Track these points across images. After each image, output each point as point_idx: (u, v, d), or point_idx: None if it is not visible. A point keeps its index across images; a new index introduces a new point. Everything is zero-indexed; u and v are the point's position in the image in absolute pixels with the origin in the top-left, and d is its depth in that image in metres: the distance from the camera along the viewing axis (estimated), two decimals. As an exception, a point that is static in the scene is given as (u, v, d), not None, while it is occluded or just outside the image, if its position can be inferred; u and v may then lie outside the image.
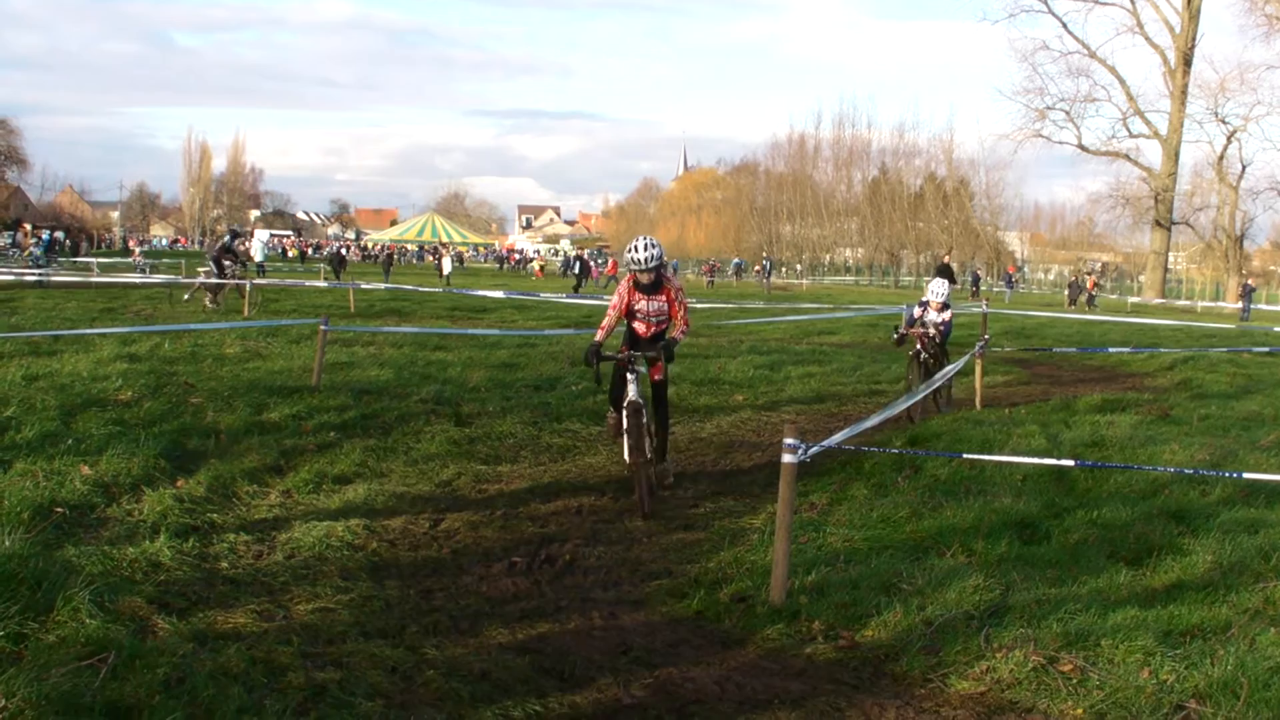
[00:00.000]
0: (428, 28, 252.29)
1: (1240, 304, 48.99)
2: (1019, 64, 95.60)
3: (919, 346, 13.06)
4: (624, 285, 8.81)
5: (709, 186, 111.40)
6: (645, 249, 8.53)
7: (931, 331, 13.05)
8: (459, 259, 57.55)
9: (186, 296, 25.50)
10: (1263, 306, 52.26)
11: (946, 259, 44.73)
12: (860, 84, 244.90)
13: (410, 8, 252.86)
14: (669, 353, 8.57)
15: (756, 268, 71.19)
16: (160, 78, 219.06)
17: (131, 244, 72.46)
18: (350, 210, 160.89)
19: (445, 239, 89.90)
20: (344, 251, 59.59)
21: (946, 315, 13.17)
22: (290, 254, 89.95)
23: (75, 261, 49.33)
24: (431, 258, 59.48)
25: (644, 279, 8.63)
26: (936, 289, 13.28)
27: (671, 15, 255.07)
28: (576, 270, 53.45)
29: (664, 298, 8.75)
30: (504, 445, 10.38)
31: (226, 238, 27.08)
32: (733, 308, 32.16)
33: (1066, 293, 57.65)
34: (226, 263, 25.45)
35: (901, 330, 13.23)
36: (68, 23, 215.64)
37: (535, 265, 72.45)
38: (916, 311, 13.31)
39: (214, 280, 25.07)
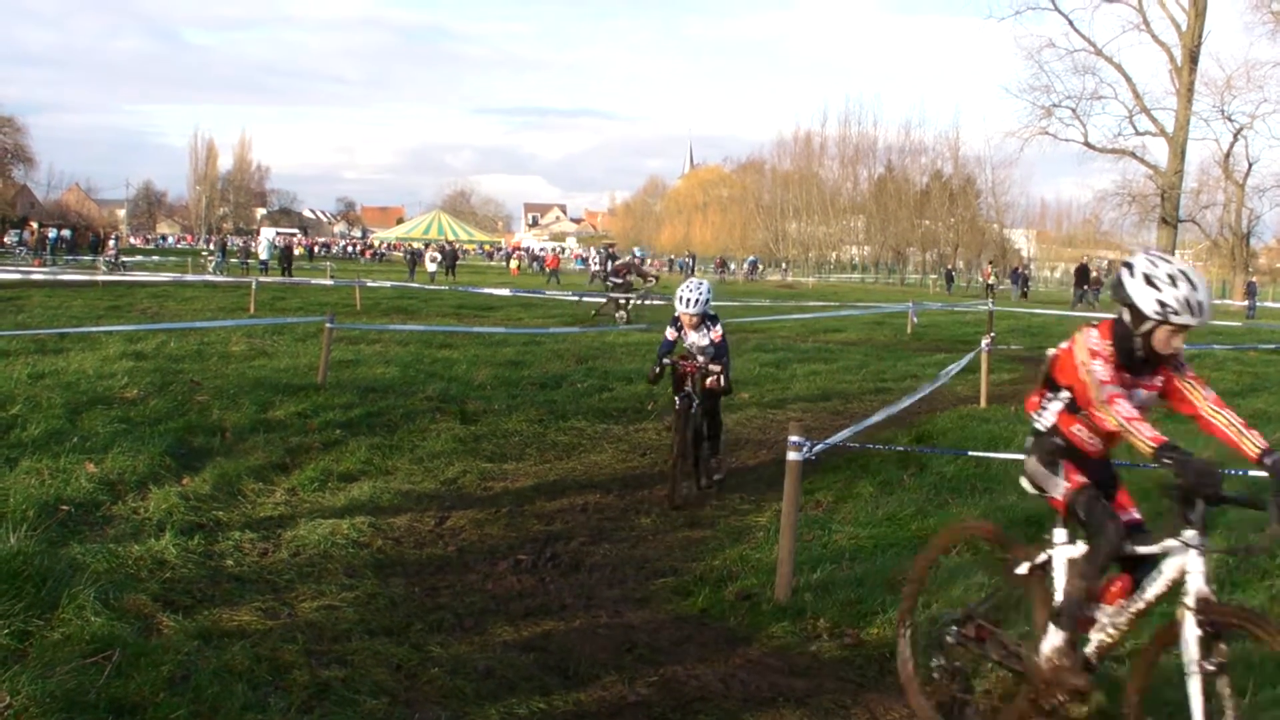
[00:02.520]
0: (439, 25, 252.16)
1: (1246, 302, 48.85)
2: (1025, 61, 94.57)
3: (687, 388, 8.67)
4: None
5: (715, 184, 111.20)
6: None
7: (701, 361, 8.75)
8: (451, 255, 56.54)
9: (594, 312, 26.73)
10: (1269, 304, 52.04)
11: (1085, 260, 43.46)
12: (866, 82, 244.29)
13: (422, 5, 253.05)
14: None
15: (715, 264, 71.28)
16: (170, 75, 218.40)
17: (129, 242, 72.19)
18: (356, 208, 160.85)
19: (452, 237, 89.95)
20: (291, 247, 55.81)
21: (716, 333, 8.82)
22: (297, 252, 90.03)
23: (81, 260, 49.40)
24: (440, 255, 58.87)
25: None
26: (688, 293, 8.68)
27: (682, 12, 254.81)
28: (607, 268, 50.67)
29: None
30: (510, 443, 10.37)
31: (636, 258, 28.35)
32: (738, 305, 32.13)
33: (1073, 291, 57.94)
34: (629, 279, 26.88)
35: (662, 362, 8.77)
36: (77, 20, 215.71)
37: (512, 264, 74.70)
38: (670, 334, 8.88)
39: (621, 295, 26.34)
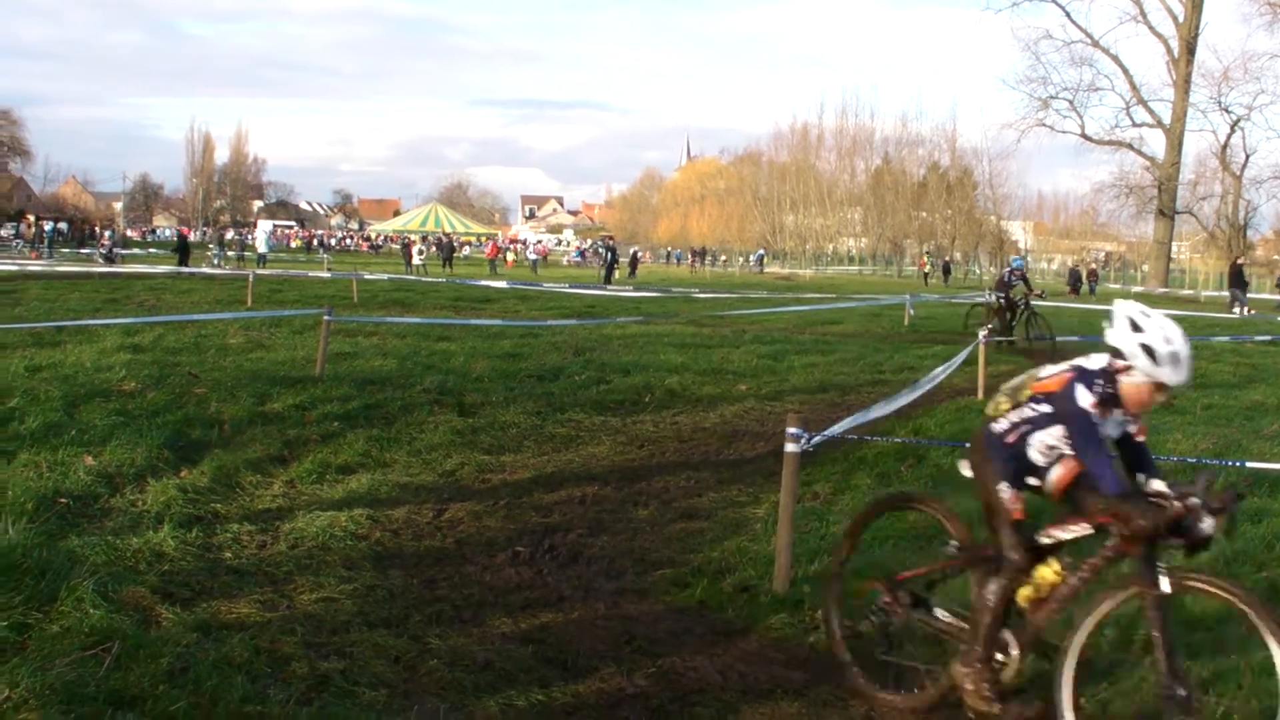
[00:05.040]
0: (436, 17, 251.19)
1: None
2: (1022, 53, 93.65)
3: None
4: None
5: (712, 176, 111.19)
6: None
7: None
8: (449, 248, 57.35)
9: (967, 325, 22.95)
10: (1262, 296, 51.91)
11: (1241, 261, 38.50)
12: (863, 74, 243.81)
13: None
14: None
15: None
16: (166, 68, 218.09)
17: (118, 234, 71.54)
18: (353, 200, 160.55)
19: (449, 229, 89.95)
20: (188, 238, 50.67)
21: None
22: (294, 244, 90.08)
23: (79, 253, 49.26)
24: (436, 248, 59.05)
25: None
26: (1178, 343, 4.21)
27: (680, 4, 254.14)
28: (608, 260, 47.86)
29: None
30: (507, 435, 10.37)
31: (1008, 269, 23.87)
32: (736, 297, 32.11)
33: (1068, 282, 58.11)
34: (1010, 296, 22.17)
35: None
36: (74, 12, 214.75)
37: (509, 256, 75.04)
38: (1098, 416, 4.36)
39: (1000, 303, 22.07)
